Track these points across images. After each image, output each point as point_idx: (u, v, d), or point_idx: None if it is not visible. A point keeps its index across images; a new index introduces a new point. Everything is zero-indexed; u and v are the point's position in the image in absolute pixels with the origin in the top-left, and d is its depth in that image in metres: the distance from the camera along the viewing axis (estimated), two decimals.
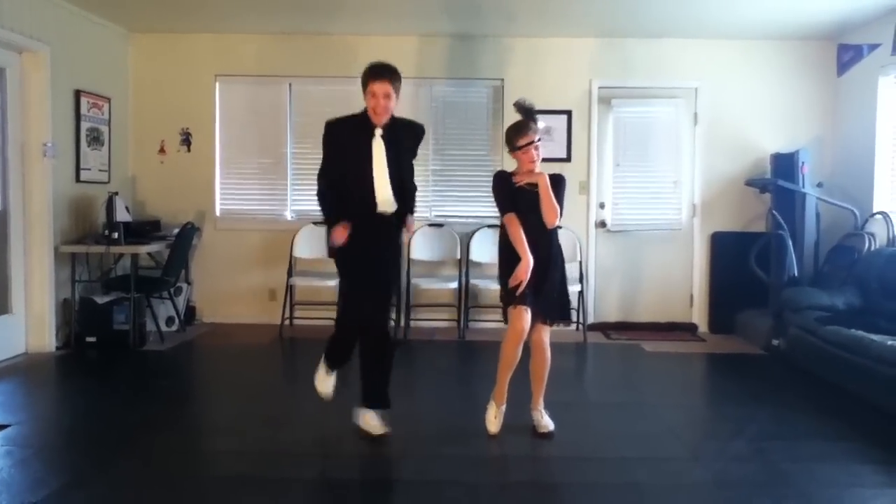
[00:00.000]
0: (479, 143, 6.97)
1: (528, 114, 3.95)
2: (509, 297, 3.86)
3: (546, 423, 3.98)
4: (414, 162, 4.05)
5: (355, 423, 3.91)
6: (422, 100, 6.91)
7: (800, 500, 3.20)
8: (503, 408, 4.00)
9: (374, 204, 3.77)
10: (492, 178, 4.00)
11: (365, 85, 3.73)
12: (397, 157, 3.82)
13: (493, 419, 3.98)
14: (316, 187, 3.91)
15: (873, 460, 3.71)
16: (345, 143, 3.81)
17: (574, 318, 4.09)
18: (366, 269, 3.82)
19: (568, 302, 4.08)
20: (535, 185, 3.86)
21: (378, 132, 3.78)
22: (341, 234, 3.73)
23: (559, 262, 4.00)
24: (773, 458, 3.66)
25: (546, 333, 3.96)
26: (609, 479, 3.44)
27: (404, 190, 3.89)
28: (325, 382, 4.08)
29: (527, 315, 3.82)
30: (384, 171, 3.77)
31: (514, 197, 3.90)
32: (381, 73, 3.70)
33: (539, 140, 3.90)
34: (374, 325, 3.87)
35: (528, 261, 3.77)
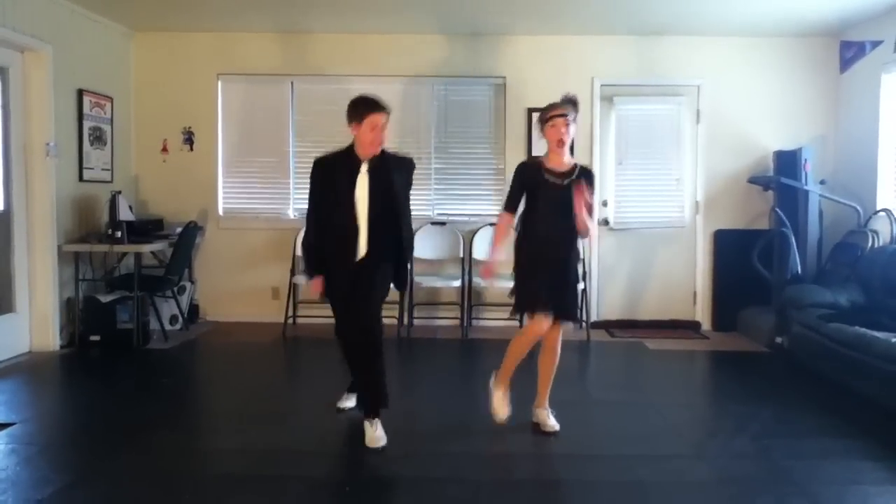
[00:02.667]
0: (481, 142, 6.96)
1: (570, 102, 3.89)
2: (528, 303, 3.88)
3: (552, 423, 3.98)
4: (410, 204, 4.05)
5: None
6: (424, 98, 6.92)
7: (802, 498, 3.20)
8: (507, 394, 4.01)
9: (354, 248, 3.79)
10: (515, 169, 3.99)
11: (362, 116, 3.73)
12: (383, 192, 3.80)
13: (502, 403, 3.98)
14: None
15: (876, 457, 3.70)
16: (331, 179, 3.83)
17: (576, 318, 4.07)
18: (340, 297, 3.92)
19: (576, 302, 4.04)
20: (562, 180, 3.81)
21: (364, 167, 3.79)
22: (315, 289, 3.91)
23: (575, 263, 3.97)
24: (776, 456, 3.67)
25: (560, 333, 3.96)
26: (611, 477, 3.44)
27: (393, 229, 3.86)
28: (345, 399, 4.29)
29: (548, 322, 3.83)
30: (365, 211, 3.77)
31: (537, 192, 3.85)
32: (380, 105, 3.77)
33: (573, 120, 3.83)
34: (362, 332, 3.85)
35: (495, 259, 3.94)
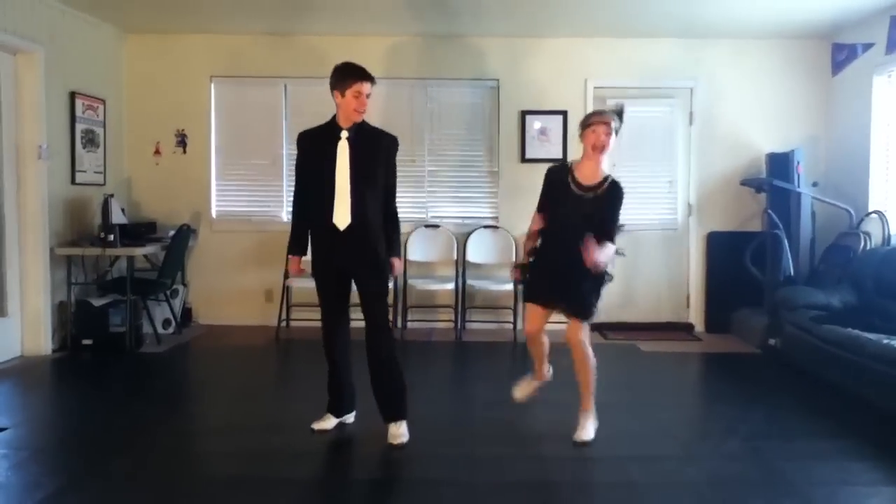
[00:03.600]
0: (474, 144, 6.97)
1: (617, 113, 3.84)
2: (525, 292, 4.08)
3: (583, 433, 3.90)
4: (397, 181, 3.94)
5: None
6: (417, 100, 6.91)
7: (794, 499, 3.20)
8: (536, 384, 4.15)
9: (329, 217, 3.72)
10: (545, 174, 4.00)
11: (347, 84, 3.69)
12: (364, 161, 3.75)
13: (522, 386, 4.15)
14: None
15: (868, 458, 3.72)
16: (312, 149, 3.82)
17: (590, 316, 3.97)
18: (326, 282, 3.86)
19: (586, 300, 3.93)
20: (587, 193, 3.79)
21: (344, 134, 3.76)
22: (294, 269, 3.94)
23: (589, 271, 3.84)
24: (768, 457, 3.67)
25: (575, 333, 3.90)
26: (604, 478, 3.45)
27: (381, 207, 3.81)
28: (322, 420, 4.04)
29: (538, 313, 3.92)
30: (346, 176, 3.71)
31: (559, 198, 3.84)
32: (366, 73, 3.74)
33: (614, 132, 3.76)
34: (374, 345, 3.84)
35: (524, 255, 4.04)
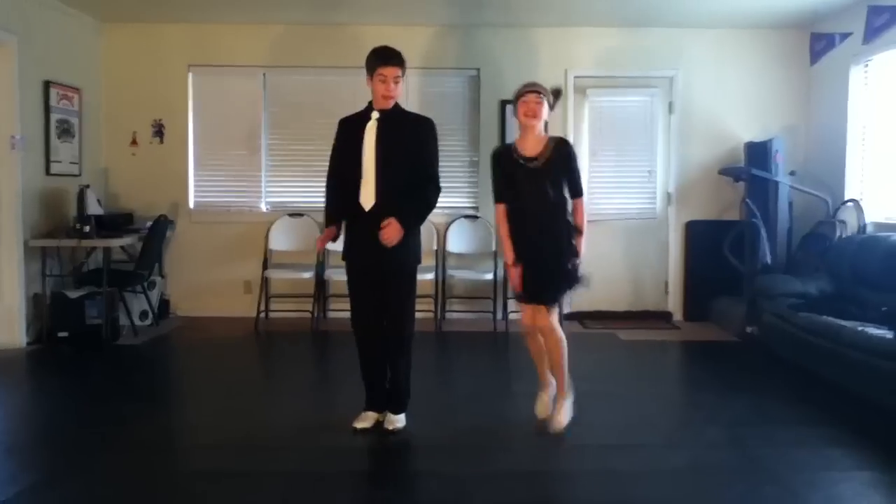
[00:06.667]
0: (455, 134, 6.94)
1: (553, 91, 3.85)
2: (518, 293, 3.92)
3: (557, 420, 3.89)
4: (437, 164, 3.93)
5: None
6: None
7: (773, 485, 3.23)
8: (543, 393, 4.08)
9: (357, 198, 3.69)
10: (490, 159, 3.95)
11: (373, 69, 3.70)
12: (392, 145, 3.69)
13: (539, 404, 4.05)
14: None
15: (845, 444, 3.75)
16: (345, 133, 3.82)
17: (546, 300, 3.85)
18: (355, 270, 3.81)
19: (559, 281, 3.86)
20: (534, 160, 3.76)
21: (375, 115, 3.73)
22: (322, 240, 3.86)
23: (559, 239, 3.81)
24: (748, 444, 3.70)
25: (545, 317, 3.84)
26: (586, 467, 3.46)
27: (405, 184, 3.71)
28: (361, 418, 3.91)
29: (528, 310, 3.88)
30: (372, 157, 3.67)
31: (511, 174, 3.81)
32: (391, 57, 3.72)
33: (544, 101, 3.76)
34: (385, 329, 3.82)
35: (509, 260, 3.83)
